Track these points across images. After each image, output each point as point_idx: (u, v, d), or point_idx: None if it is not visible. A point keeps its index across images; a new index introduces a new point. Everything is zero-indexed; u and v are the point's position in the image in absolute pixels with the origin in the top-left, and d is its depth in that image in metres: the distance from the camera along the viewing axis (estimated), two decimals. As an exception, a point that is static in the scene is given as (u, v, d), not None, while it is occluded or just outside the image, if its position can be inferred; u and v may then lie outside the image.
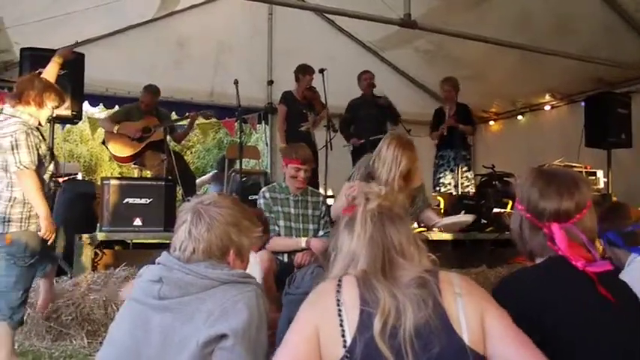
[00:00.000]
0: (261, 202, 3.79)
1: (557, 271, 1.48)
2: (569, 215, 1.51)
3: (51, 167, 3.46)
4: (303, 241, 3.63)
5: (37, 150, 3.28)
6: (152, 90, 6.22)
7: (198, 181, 7.71)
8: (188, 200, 1.74)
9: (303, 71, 6.35)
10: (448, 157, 6.75)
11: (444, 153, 6.81)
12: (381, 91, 6.66)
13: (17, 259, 3.20)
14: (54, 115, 3.59)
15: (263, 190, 3.92)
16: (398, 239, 1.41)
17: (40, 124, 3.46)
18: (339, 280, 1.36)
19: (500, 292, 1.49)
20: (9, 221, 3.20)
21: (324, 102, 6.35)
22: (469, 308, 1.28)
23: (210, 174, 8.73)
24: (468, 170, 6.82)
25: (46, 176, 3.41)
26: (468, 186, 6.72)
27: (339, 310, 1.29)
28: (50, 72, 3.88)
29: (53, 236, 3.31)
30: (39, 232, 3.26)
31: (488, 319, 1.28)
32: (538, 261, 1.57)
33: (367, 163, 3.44)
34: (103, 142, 6.27)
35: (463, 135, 6.75)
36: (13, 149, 3.18)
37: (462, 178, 6.68)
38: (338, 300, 1.30)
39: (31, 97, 3.34)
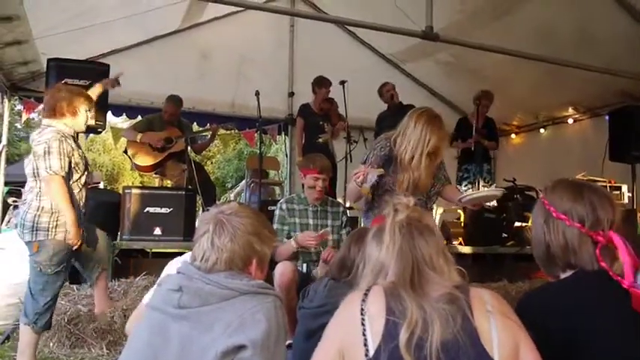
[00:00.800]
0: (276, 212, 3.78)
1: (588, 284, 1.46)
2: (617, 225, 1.51)
3: (83, 177, 3.48)
4: (292, 242, 3.53)
5: (70, 158, 3.32)
6: (175, 100, 6.27)
7: (234, 193, 7.77)
8: (207, 210, 1.74)
9: (320, 84, 6.38)
10: (471, 170, 6.67)
11: (468, 166, 6.74)
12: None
13: (44, 266, 3.23)
14: (91, 119, 3.64)
15: (281, 201, 3.92)
16: (427, 251, 1.41)
17: (76, 133, 3.53)
18: (367, 291, 1.37)
19: (525, 305, 1.48)
20: (37, 230, 3.23)
21: (342, 113, 6.37)
22: (502, 330, 1.27)
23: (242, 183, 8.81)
24: (492, 184, 6.70)
25: (77, 184, 3.42)
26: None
27: (363, 319, 1.30)
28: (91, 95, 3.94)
29: (77, 243, 3.32)
30: (67, 241, 3.28)
31: (522, 348, 1.28)
32: (562, 275, 1.55)
33: (384, 144, 3.30)
34: (125, 152, 6.32)
35: (487, 149, 6.73)
36: (44, 154, 3.22)
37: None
38: (362, 309, 1.32)
39: (64, 109, 3.40)
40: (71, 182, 3.36)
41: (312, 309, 2.33)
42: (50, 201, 3.26)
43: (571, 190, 1.56)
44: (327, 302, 2.24)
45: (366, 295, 1.34)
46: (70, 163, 3.32)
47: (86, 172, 3.52)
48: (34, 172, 3.30)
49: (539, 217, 1.60)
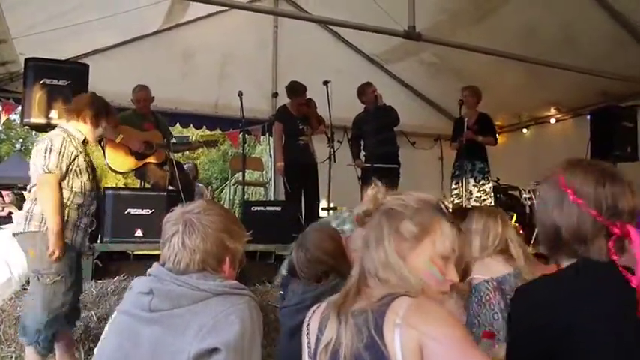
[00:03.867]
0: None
1: (589, 275, 1.36)
2: (634, 216, 1.40)
3: (88, 183, 3.44)
4: None
5: (73, 160, 3.29)
6: (143, 85, 6.07)
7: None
8: (172, 211, 1.69)
9: (294, 92, 6.29)
10: (465, 168, 6.47)
11: (461, 164, 6.55)
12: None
13: (42, 274, 3.12)
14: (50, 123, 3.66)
15: None
16: (373, 264, 1.37)
17: (86, 141, 3.50)
18: (316, 307, 1.45)
19: (514, 301, 1.42)
20: (30, 219, 3.17)
21: (321, 115, 6.33)
22: (406, 338, 1.21)
23: None
24: (486, 183, 6.56)
25: (81, 188, 3.37)
26: (485, 199, 6.49)
27: (307, 334, 1.40)
28: None
29: (57, 254, 3.15)
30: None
31: (427, 345, 1.20)
32: (565, 263, 1.44)
33: None
34: (102, 147, 6.13)
35: (482, 146, 6.56)
36: (45, 152, 3.20)
37: (478, 191, 6.49)
38: (307, 325, 1.42)
39: (88, 117, 3.43)
40: (70, 185, 3.30)
41: (292, 306, 2.36)
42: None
43: (593, 174, 1.43)
44: (305, 298, 2.29)
45: (313, 311, 1.38)
46: (68, 165, 3.27)
47: (92, 178, 3.47)
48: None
49: (550, 197, 1.47)
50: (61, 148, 3.23)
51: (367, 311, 1.25)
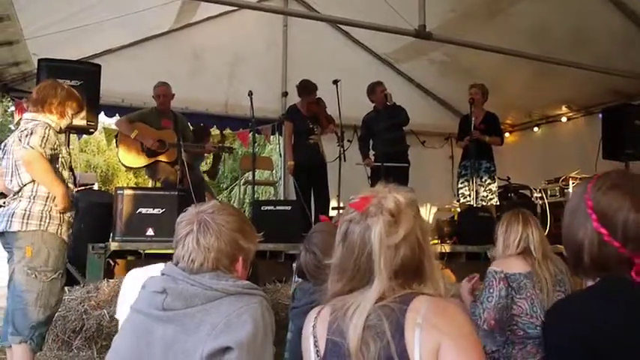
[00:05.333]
0: None
1: (618, 295, 1.28)
2: None
3: (71, 178, 3.39)
4: None
5: (58, 151, 3.22)
6: (163, 82, 6.13)
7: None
8: (185, 211, 1.70)
9: (305, 90, 6.32)
10: (471, 167, 6.38)
11: (467, 163, 6.49)
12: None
13: (39, 272, 3.08)
14: (81, 120, 3.53)
15: None
16: None
17: (59, 131, 3.42)
18: (320, 309, 1.38)
19: (553, 318, 1.38)
20: (29, 218, 3.10)
21: (330, 114, 6.34)
22: (425, 338, 1.20)
23: None
24: (492, 182, 6.49)
25: (66, 180, 3.31)
26: (491, 199, 6.44)
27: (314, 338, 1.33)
28: None
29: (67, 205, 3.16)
30: (61, 236, 3.17)
31: (442, 348, 1.19)
32: (588, 283, 1.37)
33: None
34: (116, 142, 6.16)
35: (488, 146, 6.49)
36: (26, 136, 3.09)
37: (484, 190, 6.43)
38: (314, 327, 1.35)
39: (53, 106, 3.30)
40: (60, 179, 3.24)
41: (302, 306, 2.35)
42: (46, 190, 3.13)
43: (622, 197, 1.28)
44: (315, 298, 2.27)
45: (316, 316, 1.34)
46: (56, 156, 3.21)
47: (71, 173, 3.40)
48: (16, 164, 3.16)
49: (576, 214, 1.35)
50: (43, 133, 3.12)
51: (389, 308, 1.24)
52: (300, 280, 3.24)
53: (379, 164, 6.20)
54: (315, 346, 1.29)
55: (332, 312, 1.30)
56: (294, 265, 3.21)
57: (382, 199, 1.31)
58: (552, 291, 2.81)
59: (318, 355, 1.28)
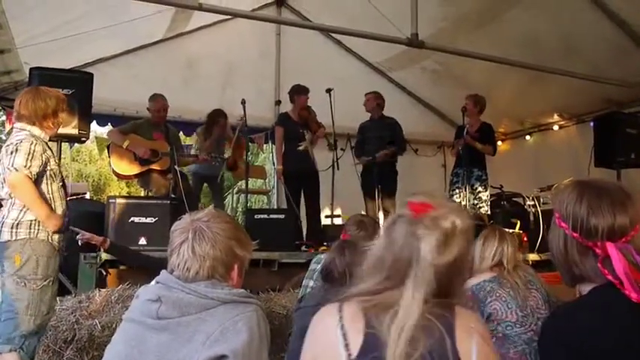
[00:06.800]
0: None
1: (606, 307, 1.30)
2: (623, 233, 1.32)
3: (61, 188, 3.33)
4: None
5: (46, 163, 3.16)
6: (160, 95, 6.10)
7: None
8: (180, 219, 1.69)
9: (298, 92, 6.38)
10: (462, 175, 6.40)
11: (459, 171, 6.53)
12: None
13: (28, 280, 3.03)
14: (73, 129, 3.48)
15: None
16: None
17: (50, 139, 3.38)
18: (341, 302, 1.35)
19: (546, 329, 1.40)
20: (18, 226, 3.06)
21: (320, 121, 6.38)
22: (479, 342, 1.24)
23: None
24: (484, 190, 6.52)
25: (58, 195, 3.26)
26: (482, 207, 6.47)
27: (343, 331, 1.28)
28: None
29: (60, 226, 3.14)
30: (51, 242, 3.13)
31: (480, 348, 1.23)
32: (584, 287, 1.39)
33: None
34: (108, 151, 6.11)
35: (480, 154, 6.51)
36: (11, 153, 3.03)
37: (475, 198, 6.46)
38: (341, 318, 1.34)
39: (50, 121, 3.25)
40: (49, 190, 3.20)
41: (310, 307, 2.36)
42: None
43: (574, 192, 1.39)
44: (324, 300, 2.27)
45: (341, 312, 1.29)
46: (45, 167, 3.15)
47: (62, 184, 3.35)
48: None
49: (553, 227, 1.44)
50: (29, 149, 3.06)
51: (436, 312, 1.23)
52: (311, 283, 3.25)
53: (371, 158, 6.33)
54: (345, 339, 1.24)
55: (365, 308, 1.26)
56: (316, 265, 3.17)
57: (440, 217, 1.27)
58: (525, 289, 2.92)
59: (347, 349, 1.23)
